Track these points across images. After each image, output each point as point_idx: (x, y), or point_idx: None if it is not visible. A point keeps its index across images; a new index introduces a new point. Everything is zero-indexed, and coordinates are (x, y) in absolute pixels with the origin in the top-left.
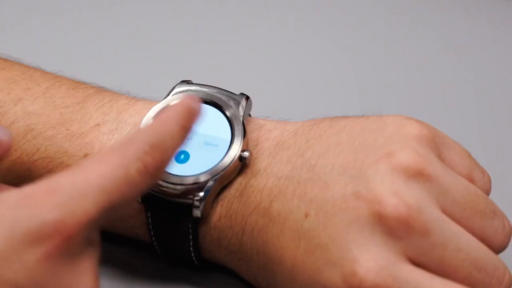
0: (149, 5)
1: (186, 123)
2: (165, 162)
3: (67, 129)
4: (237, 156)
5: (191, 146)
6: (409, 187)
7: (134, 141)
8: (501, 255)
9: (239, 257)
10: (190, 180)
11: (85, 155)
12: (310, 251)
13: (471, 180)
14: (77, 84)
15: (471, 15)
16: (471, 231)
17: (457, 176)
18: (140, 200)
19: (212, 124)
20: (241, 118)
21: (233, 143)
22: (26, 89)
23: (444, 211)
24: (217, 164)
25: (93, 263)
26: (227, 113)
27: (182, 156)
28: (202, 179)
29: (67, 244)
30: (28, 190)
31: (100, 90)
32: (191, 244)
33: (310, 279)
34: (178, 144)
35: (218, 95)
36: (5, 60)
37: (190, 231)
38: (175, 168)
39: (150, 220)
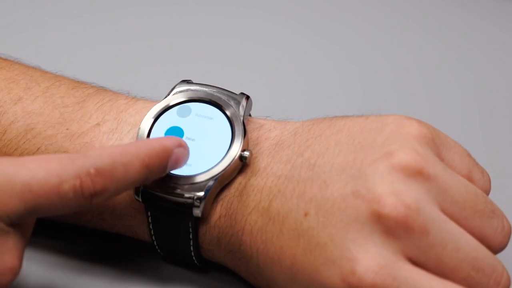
0: (149, 5)
1: (152, 162)
2: (107, 190)
3: (67, 129)
4: (237, 156)
5: (191, 145)
6: (408, 186)
7: (84, 157)
8: (500, 255)
9: (238, 256)
10: (190, 180)
11: None
12: (309, 250)
13: (470, 180)
14: (77, 83)
15: (471, 15)
16: (470, 230)
17: (457, 175)
18: (140, 199)
19: (212, 124)
20: (241, 118)
21: (233, 143)
22: (26, 89)
23: (443, 210)
24: (217, 163)
25: (19, 244)
26: (228, 113)
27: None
28: (203, 178)
29: None
30: None
31: (100, 89)
32: (191, 243)
33: (309, 278)
34: (132, 179)
35: (218, 94)
36: (5, 59)
37: (190, 230)
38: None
39: (150, 220)
